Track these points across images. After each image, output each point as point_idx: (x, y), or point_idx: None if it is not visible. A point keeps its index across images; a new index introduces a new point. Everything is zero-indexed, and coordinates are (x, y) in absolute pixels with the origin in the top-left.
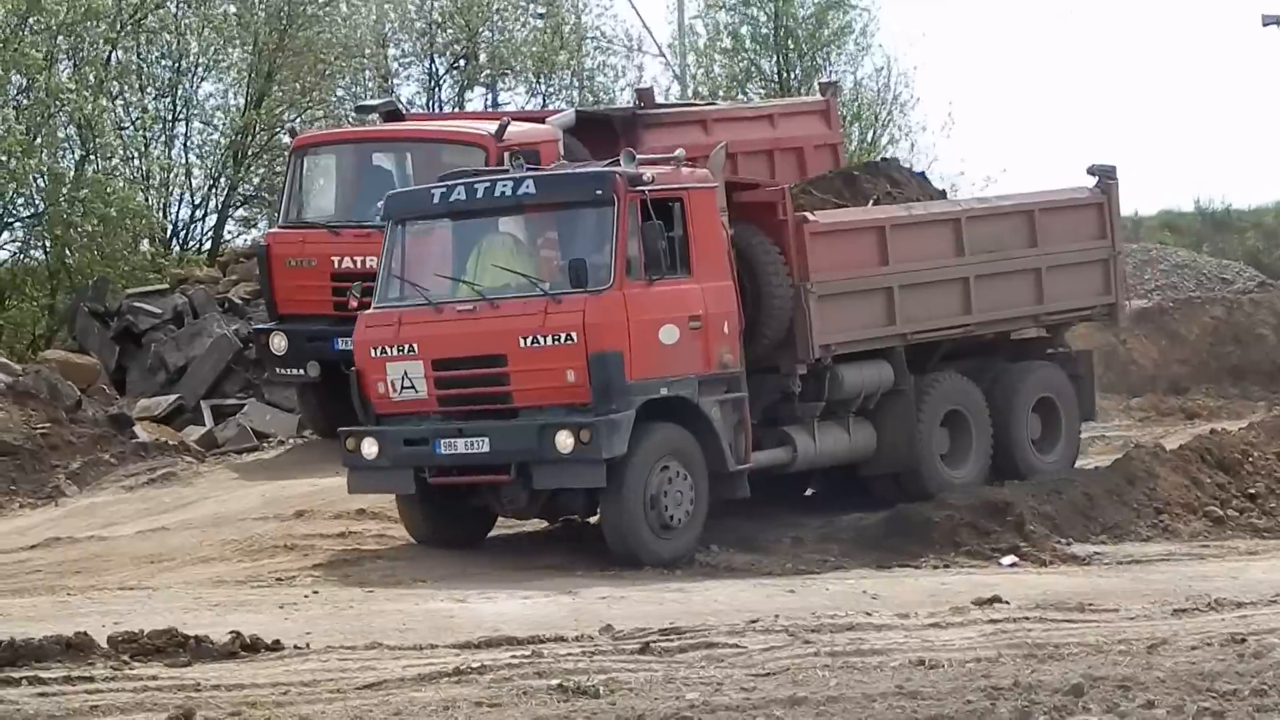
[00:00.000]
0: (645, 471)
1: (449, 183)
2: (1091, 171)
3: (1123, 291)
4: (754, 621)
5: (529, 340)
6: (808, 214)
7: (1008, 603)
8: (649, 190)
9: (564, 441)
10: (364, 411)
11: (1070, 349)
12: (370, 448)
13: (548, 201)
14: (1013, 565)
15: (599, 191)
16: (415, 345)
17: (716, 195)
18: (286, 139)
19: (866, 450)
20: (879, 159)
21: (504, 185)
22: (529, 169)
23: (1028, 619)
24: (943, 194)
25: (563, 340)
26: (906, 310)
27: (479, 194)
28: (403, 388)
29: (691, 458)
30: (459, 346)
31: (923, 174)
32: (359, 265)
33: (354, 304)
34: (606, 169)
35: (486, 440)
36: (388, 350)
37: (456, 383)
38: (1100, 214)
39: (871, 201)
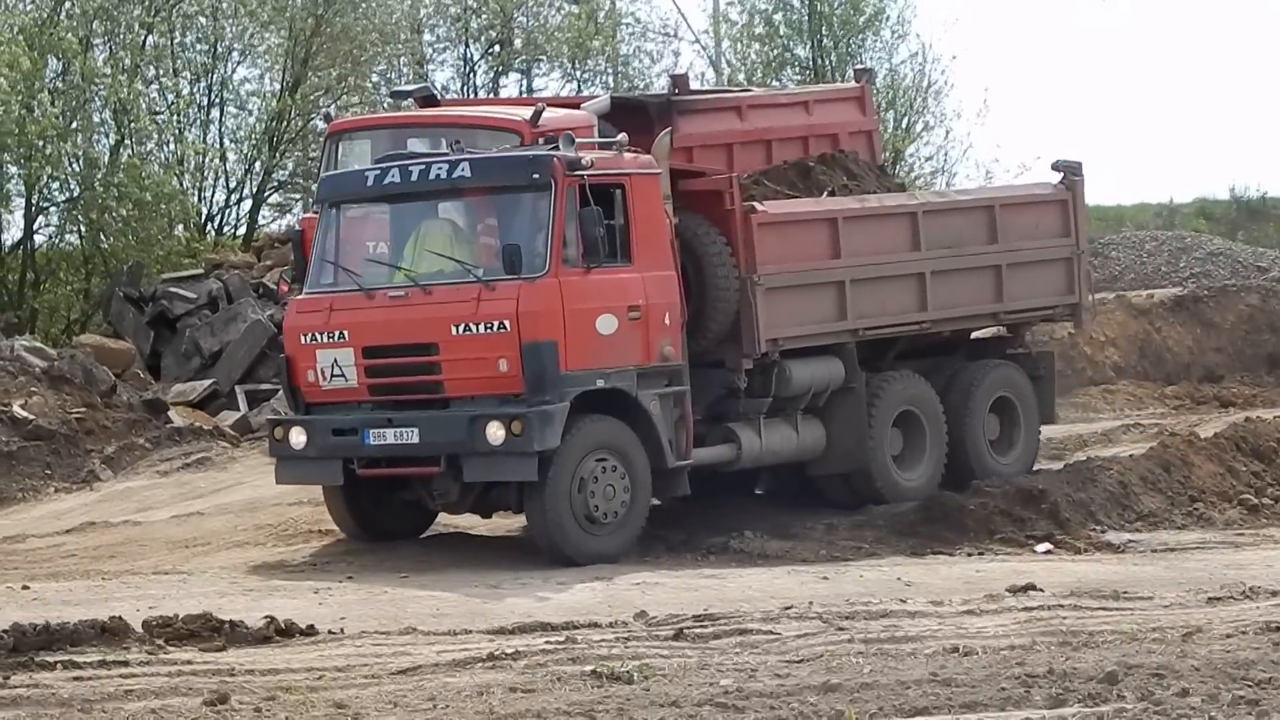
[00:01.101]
0: (573, 464)
1: (384, 165)
2: (1056, 167)
3: (1086, 291)
4: (788, 608)
5: (461, 328)
6: (756, 204)
7: (1042, 590)
8: (588, 175)
9: (495, 433)
10: (293, 400)
11: (1031, 349)
12: (298, 437)
13: (483, 185)
14: (1047, 552)
15: (535, 175)
16: (346, 332)
17: (660, 182)
18: (321, 124)
19: (815, 449)
20: (842, 153)
21: (439, 168)
22: (468, 152)
23: (1062, 606)
24: (901, 187)
25: (495, 329)
26: (859, 305)
27: (413, 177)
28: (332, 376)
29: (626, 451)
30: (390, 334)
31: (882, 166)
32: None
33: (284, 289)
34: (544, 152)
35: (416, 431)
36: (318, 337)
37: (387, 371)
38: (1064, 211)
39: (826, 193)
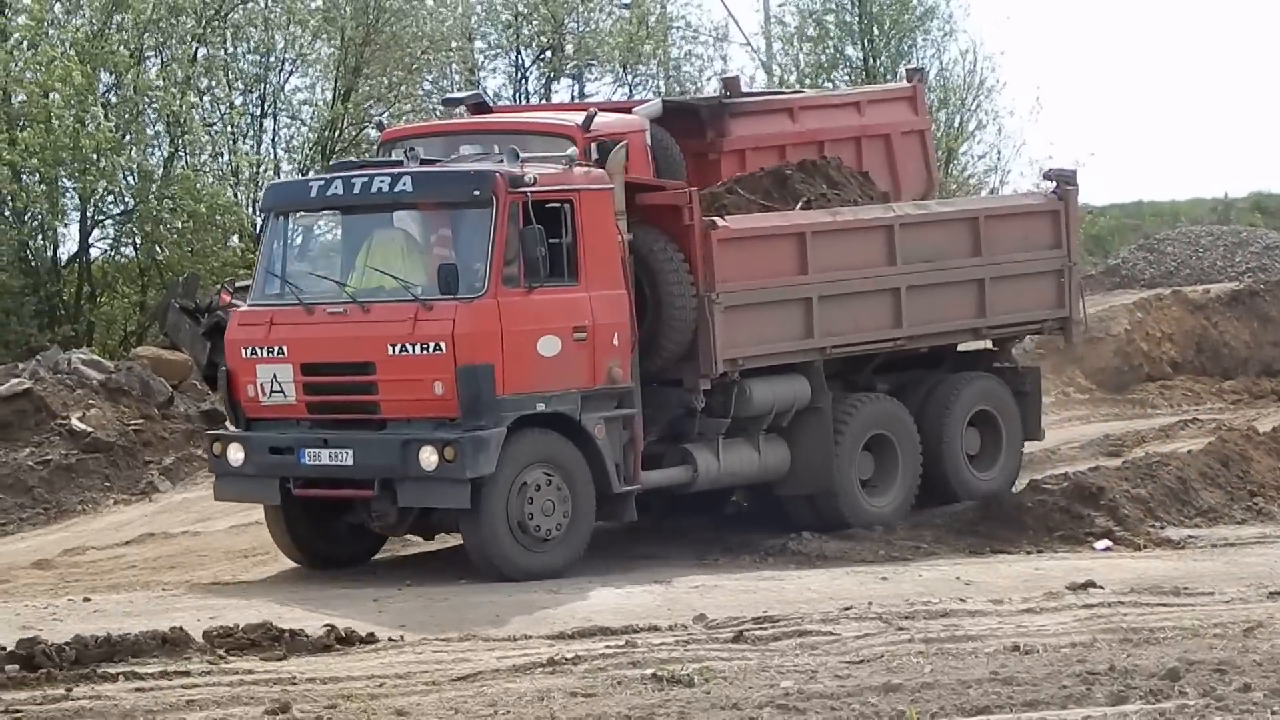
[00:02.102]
0: (509, 480)
1: (328, 175)
2: (1048, 176)
3: (1077, 305)
4: (847, 609)
5: (397, 348)
6: (716, 219)
7: (1102, 587)
8: (531, 192)
9: (428, 458)
10: (233, 414)
11: (1017, 364)
12: (236, 454)
13: (424, 200)
14: (1107, 549)
15: (476, 192)
16: (285, 348)
17: (612, 198)
18: (374, 133)
19: (779, 470)
20: (824, 160)
21: (381, 181)
22: (422, 160)
23: (1122, 603)
24: (885, 197)
25: (431, 350)
26: (827, 323)
27: (355, 189)
28: (272, 391)
29: (567, 466)
30: (328, 351)
31: (865, 174)
32: None
33: (225, 299)
34: (486, 168)
35: (350, 453)
36: (258, 351)
37: (325, 389)
38: (1056, 222)
39: (800, 204)
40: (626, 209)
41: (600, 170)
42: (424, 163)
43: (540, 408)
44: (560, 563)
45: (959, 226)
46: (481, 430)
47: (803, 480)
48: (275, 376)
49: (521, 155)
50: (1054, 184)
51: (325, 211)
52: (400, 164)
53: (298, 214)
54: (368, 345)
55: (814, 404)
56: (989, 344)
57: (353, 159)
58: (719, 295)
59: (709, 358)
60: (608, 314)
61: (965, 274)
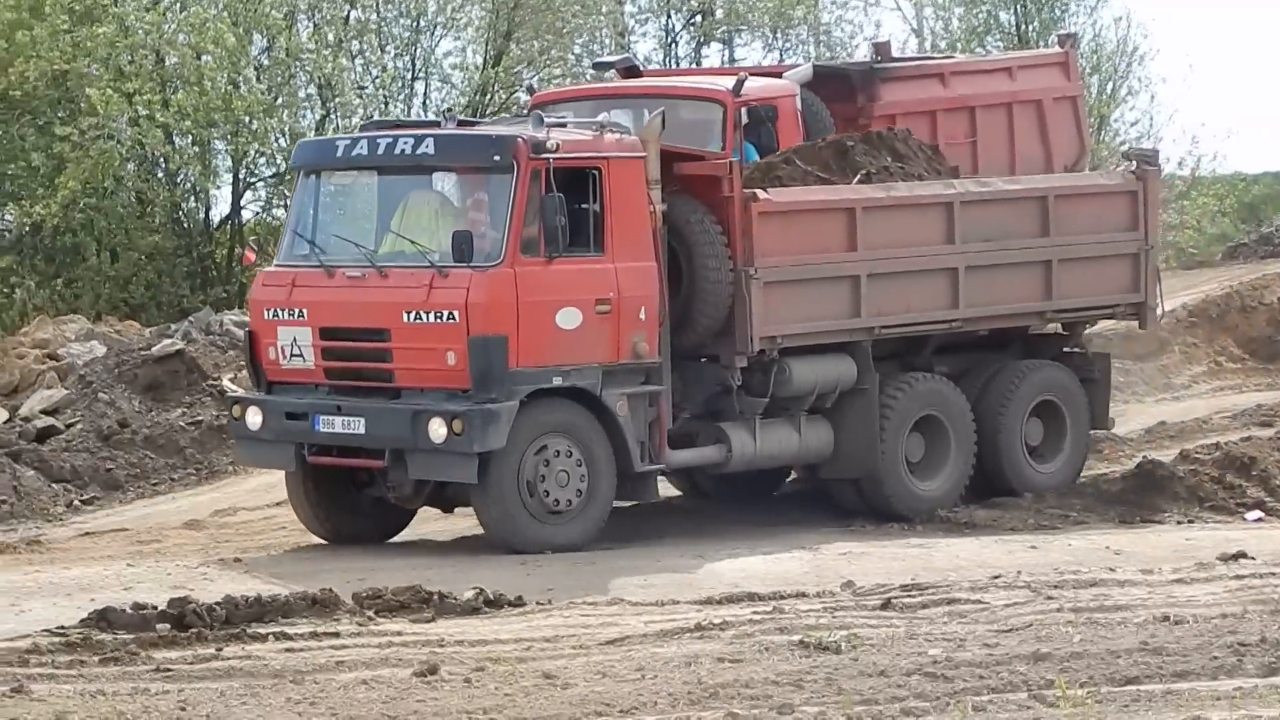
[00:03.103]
0: (520, 452)
1: (357, 135)
2: (1128, 155)
3: (1154, 290)
4: (996, 577)
5: (412, 316)
6: (759, 191)
7: (1253, 558)
8: (554, 158)
9: (436, 430)
10: (255, 377)
11: (1086, 349)
12: (254, 418)
13: (446, 163)
14: (1258, 520)
15: (497, 157)
16: (305, 310)
17: (645, 167)
18: (525, 96)
19: (821, 452)
20: (891, 132)
21: (405, 142)
22: (460, 123)
23: (1274, 574)
24: (955, 171)
25: (445, 319)
26: (876, 302)
27: (380, 150)
28: (291, 355)
29: (585, 440)
30: (346, 316)
31: (935, 147)
32: None
33: (250, 257)
34: (509, 132)
35: (362, 421)
36: (279, 313)
37: (342, 354)
38: (1133, 203)
39: (859, 176)
40: (664, 178)
41: (632, 138)
42: (461, 124)
43: (557, 381)
44: (577, 537)
45: (1027, 205)
46: (492, 403)
47: (847, 463)
48: (295, 339)
49: (575, 121)
50: (1133, 163)
51: (351, 171)
52: (436, 125)
53: (324, 173)
54: (384, 311)
55: (860, 385)
56: (1058, 328)
57: (388, 119)
58: (758, 270)
59: (745, 334)
60: (635, 286)
61: (1031, 255)
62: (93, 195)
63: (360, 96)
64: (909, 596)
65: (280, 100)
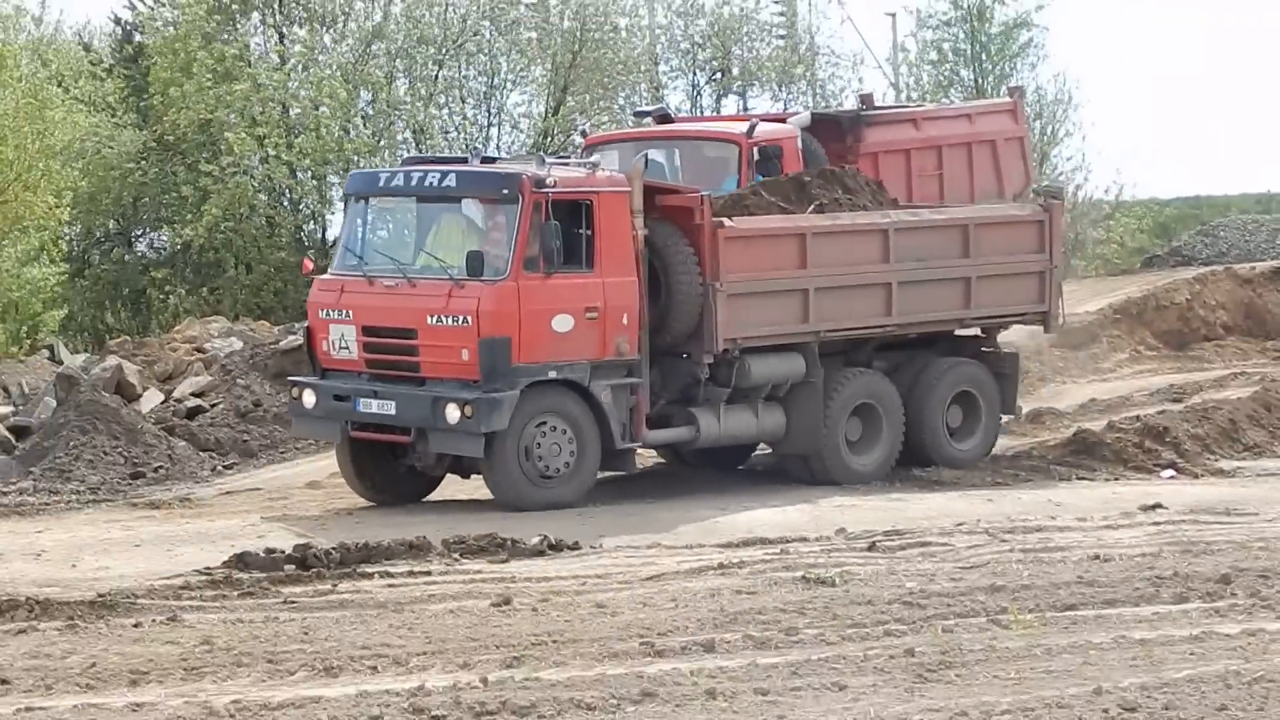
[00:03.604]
0: (520, 427)
1: (397, 170)
2: (1038, 192)
3: (1056, 301)
4: (960, 525)
5: (435, 319)
6: (724, 220)
7: (1167, 508)
8: (552, 192)
9: (451, 413)
10: (312, 364)
11: (999, 349)
12: (309, 398)
13: (464, 194)
14: (1171, 478)
15: (505, 190)
16: (350, 311)
17: (630, 199)
18: (579, 139)
19: (775, 433)
20: (835, 170)
21: (433, 176)
22: (483, 158)
23: (1184, 522)
24: (894, 202)
25: (460, 322)
26: (822, 310)
27: (413, 182)
28: (340, 348)
29: (574, 418)
30: (382, 317)
31: (878, 183)
32: None
33: (308, 268)
34: (515, 170)
35: (393, 404)
36: (330, 313)
37: (379, 349)
38: (1041, 230)
39: (813, 207)
40: (647, 208)
41: (621, 174)
42: (484, 161)
43: (552, 375)
44: (569, 496)
45: (951, 231)
46: (497, 392)
47: (796, 442)
48: (343, 335)
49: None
50: (1042, 198)
51: (391, 198)
52: (464, 161)
53: (370, 199)
54: (413, 314)
55: (808, 378)
56: (978, 331)
57: (427, 155)
58: (722, 284)
59: (712, 336)
60: (619, 297)
61: (954, 272)
62: (231, 220)
63: (446, 140)
64: (890, 540)
65: (382, 143)
